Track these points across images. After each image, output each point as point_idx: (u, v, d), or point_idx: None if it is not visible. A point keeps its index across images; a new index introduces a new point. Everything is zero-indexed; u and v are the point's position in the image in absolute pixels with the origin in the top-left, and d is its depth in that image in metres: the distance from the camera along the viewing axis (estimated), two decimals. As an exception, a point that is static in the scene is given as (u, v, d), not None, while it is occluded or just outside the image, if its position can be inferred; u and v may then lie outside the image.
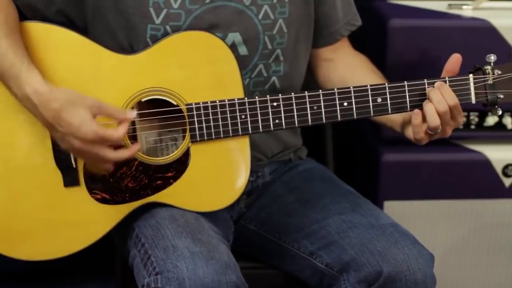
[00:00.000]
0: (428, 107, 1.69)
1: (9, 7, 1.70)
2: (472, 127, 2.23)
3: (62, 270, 2.50)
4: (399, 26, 2.14)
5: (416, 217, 2.25)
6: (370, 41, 2.26)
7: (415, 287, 1.71)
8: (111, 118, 1.64)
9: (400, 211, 2.23)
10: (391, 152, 2.23)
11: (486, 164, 2.23)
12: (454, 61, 1.73)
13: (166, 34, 1.74)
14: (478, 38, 2.12)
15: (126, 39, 1.77)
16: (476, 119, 2.22)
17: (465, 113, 2.22)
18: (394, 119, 1.80)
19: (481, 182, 2.24)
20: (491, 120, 2.22)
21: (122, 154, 1.65)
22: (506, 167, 2.24)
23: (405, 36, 2.14)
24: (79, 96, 1.62)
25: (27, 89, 1.61)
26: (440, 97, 1.69)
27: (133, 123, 1.73)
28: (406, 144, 2.19)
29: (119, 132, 1.62)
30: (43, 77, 1.62)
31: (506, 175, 2.24)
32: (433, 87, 1.71)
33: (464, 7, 2.22)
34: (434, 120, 1.69)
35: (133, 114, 1.65)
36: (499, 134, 2.24)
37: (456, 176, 2.23)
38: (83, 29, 1.82)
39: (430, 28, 2.15)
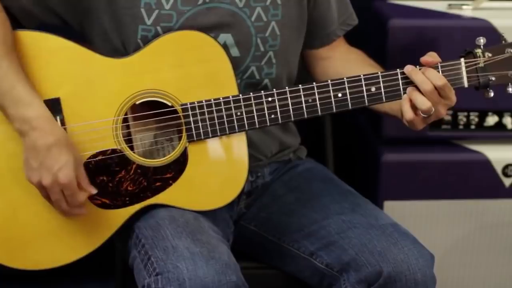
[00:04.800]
0: (413, 93, 1.69)
1: (6, 23, 1.69)
2: (472, 127, 2.23)
3: (62, 270, 2.49)
4: (399, 26, 2.14)
5: (416, 217, 2.25)
6: (370, 41, 2.26)
7: (415, 287, 1.71)
8: (79, 181, 1.65)
9: (400, 211, 2.23)
10: (391, 152, 2.23)
11: (486, 164, 2.23)
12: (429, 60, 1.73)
13: (157, 35, 1.73)
14: (478, 38, 2.12)
15: (118, 40, 1.77)
16: (476, 119, 2.22)
17: (465, 113, 2.22)
18: (394, 107, 1.80)
19: (481, 182, 2.24)
20: (491, 120, 2.22)
21: (75, 212, 1.68)
22: (506, 167, 2.24)
23: (405, 36, 2.14)
24: (71, 143, 1.65)
25: (29, 111, 1.62)
26: (423, 78, 1.69)
27: (127, 126, 1.73)
28: (406, 144, 2.21)
29: (83, 197, 1.66)
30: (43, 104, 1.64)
31: (506, 175, 2.24)
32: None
33: (464, 7, 2.22)
34: (424, 103, 1.69)
35: (94, 190, 1.67)
36: (499, 134, 2.24)
37: (456, 176, 2.23)
38: (79, 31, 1.82)
39: (430, 28, 2.15)
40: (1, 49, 1.63)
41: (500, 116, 2.22)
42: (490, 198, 2.25)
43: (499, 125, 2.23)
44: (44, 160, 1.62)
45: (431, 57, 1.72)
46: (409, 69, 1.71)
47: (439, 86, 1.68)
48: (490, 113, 2.22)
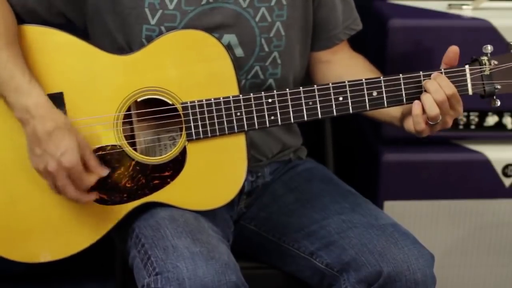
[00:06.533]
0: (425, 97, 1.69)
1: (9, 17, 1.70)
2: (472, 127, 2.23)
3: (62, 270, 2.50)
4: (399, 26, 2.14)
5: (416, 217, 2.25)
6: (370, 41, 2.26)
7: (415, 287, 1.71)
8: (87, 164, 1.65)
9: (400, 211, 2.23)
10: (391, 152, 2.23)
11: (486, 164, 2.23)
12: (451, 55, 1.72)
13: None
14: (478, 38, 2.11)
15: (123, 40, 1.77)
16: (476, 119, 2.22)
17: (465, 113, 2.22)
18: (393, 114, 1.80)
19: (481, 182, 2.24)
20: (491, 120, 2.22)
21: (84, 198, 1.67)
22: (506, 167, 2.24)
23: (405, 36, 2.14)
24: (73, 127, 1.65)
25: (28, 100, 1.62)
26: (437, 87, 1.68)
27: (130, 123, 1.74)
28: (406, 144, 2.21)
29: (90, 180, 1.66)
30: (44, 92, 1.64)
31: (506, 175, 2.24)
32: (430, 78, 1.71)
33: (464, 7, 2.22)
34: (433, 109, 1.68)
35: (105, 172, 1.68)
36: (499, 134, 2.24)
37: (456, 176, 2.23)
38: (83, 30, 1.82)
39: (430, 28, 2.15)
40: (1, 40, 1.64)
41: (500, 116, 2.22)
42: (490, 198, 2.25)
43: (499, 125, 2.23)
44: (47, 146, 1.62)
45: (453, 57, 1.72)
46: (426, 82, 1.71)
47: (448, 95, 1.68)
48: (490, 113, 2.22)
